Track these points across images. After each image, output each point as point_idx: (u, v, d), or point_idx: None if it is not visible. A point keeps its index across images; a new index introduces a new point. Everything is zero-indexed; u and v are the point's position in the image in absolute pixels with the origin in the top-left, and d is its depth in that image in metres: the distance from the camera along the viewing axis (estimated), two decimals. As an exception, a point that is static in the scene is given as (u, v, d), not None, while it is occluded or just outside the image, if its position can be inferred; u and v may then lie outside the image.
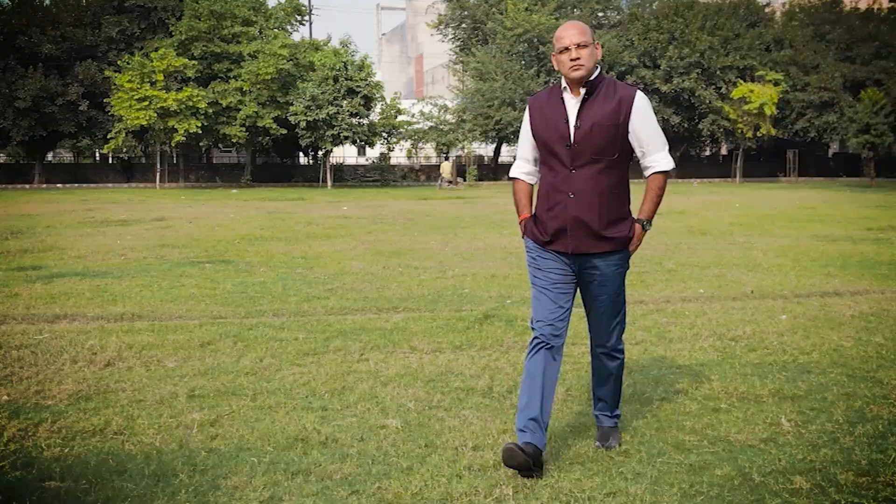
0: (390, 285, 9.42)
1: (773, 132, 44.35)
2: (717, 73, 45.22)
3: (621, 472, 3.81)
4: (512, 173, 4.27)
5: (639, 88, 3.96)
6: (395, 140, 42.96)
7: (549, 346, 3.95)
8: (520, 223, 4.20)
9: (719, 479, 3.70)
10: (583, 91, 3.90)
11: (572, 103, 3.93)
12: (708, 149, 58.06)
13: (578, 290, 4.12)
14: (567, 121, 3.92)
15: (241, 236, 15.32)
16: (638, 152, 4.01)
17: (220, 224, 18.22)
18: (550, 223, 3.98)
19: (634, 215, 4.07)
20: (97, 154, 52.37)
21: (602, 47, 25.80)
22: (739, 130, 44.54)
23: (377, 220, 19.56)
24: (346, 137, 38.88)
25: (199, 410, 4.70)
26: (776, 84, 43.45)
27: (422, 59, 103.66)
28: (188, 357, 5.97)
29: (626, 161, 4.04)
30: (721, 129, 46.19)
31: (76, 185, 43.75)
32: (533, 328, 4.02)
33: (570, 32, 3.89)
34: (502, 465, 3.74)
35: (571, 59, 3.85)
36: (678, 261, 11.39)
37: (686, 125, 47.68)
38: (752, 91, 42.48)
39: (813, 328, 6.89)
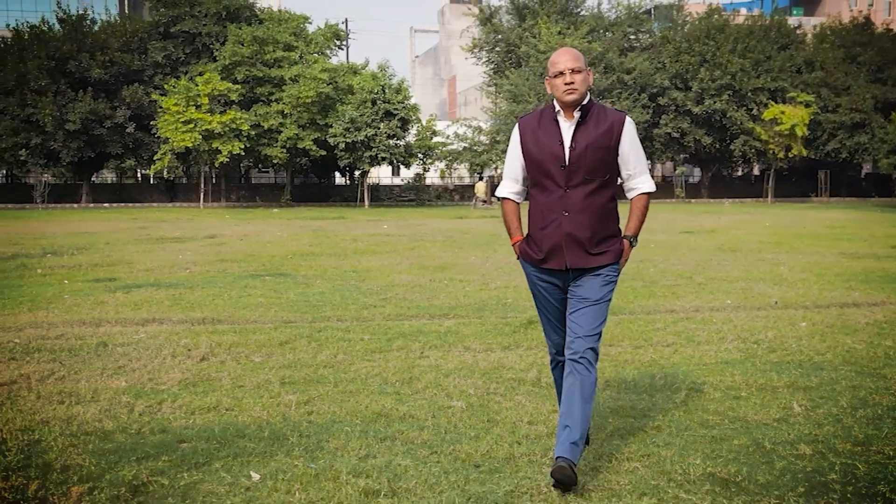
0: (438, 296, 10.21)
1: (805, 153, 44.77)
2: (749, 94, 45.75)
3: (654, 441, 4.55)
4: (500, 193, 4.37)
5: (627, 113, 4.36)
6: (430, 161, 43.90)
7: (562, 362, 4.29)
8: (513, 245, 4.33)
9: (736, 448, 4.43)
10: (577, 115, 4.06)
11: (566, 126, 4.08)
12: (740, 169, 58.41)
13: (568, 298, 4.22)
14: (562, 142, 4.07)
15: (293, 252, 16.22)
16: (624, 174, 4.22)
17: (270, 241, 19.15)
18: (545, 241, 4.12)
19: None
20: (139, 174, 53.84)
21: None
22: (771, 151, 44.99)
23: (417, 237, 20.39)
24: (384, 158, 39.91)
25: (293, 393, 5.52)
26: (807, 105, 43.88)
27: (455, 80, 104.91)
28: (271, 353, 6.80)
29: (615, 182, 4.25)
30: (752, 150, 46.66)
31: (121, 204, 45.15)
32: (549, 349, 4.44)
33: (565, 58, 4.02)
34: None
35: (566, 84, 3.99)
36: (708, 275, 12.08)
37: (717, 146, 48.18)
38: (783, 112, 42.97)
39: (829, 333, 7.57)
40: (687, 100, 46.40)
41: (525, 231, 4.29)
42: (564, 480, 3.73)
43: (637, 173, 4.21)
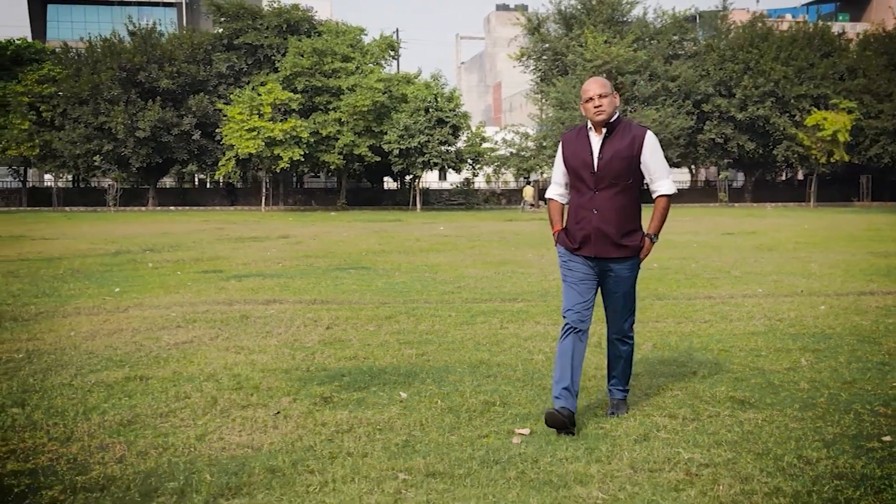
0: (505, 285, 11.79)
1: (847, 158, 45.66)
2: (792, 101, 46.73)
3: (691, 380, 6.08)
4: (547, 195, 5.29)
5: (649, 129, 5.22)
6: (479, 166, 45.54)
7: (577, 330, 4.97)
8: (553, 234, 5.19)
9: (752, 384, 5.93)
10: (604, 130, 4.90)
11: (596, 140, 4.92)
12: (784, 174, 59.17)
13: (599, 288, 5.14)
14: (591, 153, 4.90)
15: (365, 250, 17.91)
16: (647, 179, 5.02)
17: (340, 241, 20.88)
18: (578, 233, 4.96)
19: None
20: (195, 179, 56.15)
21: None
22: (813, 157, 45.94)
23: (474, 237, 21.99)
24: (436, 164, 41.65)
25: (410, 349, 7.14)
26: (849, 112, 44.78)
27: (500, 86, 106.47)
28: (381, 325, 8.44)
29: (637, 185, 5.02)
30: (795, 155, 47.62)
31: (185, 207, 47.44)
32: (564, 316, 5.02)
33: (594, 86, 4.87)
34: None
35: (595, 107, 4.84)
36: (744, 270, 13.51)
37: (760, 151, 49.18)
38: (825, 119, 43.94)
39: (843, 314, 9.01)
40: (731, 106, 47.51)
41: (561, 224, 5.18)
42: (617, 413, 5.15)
43: (657, 178, 5.01)
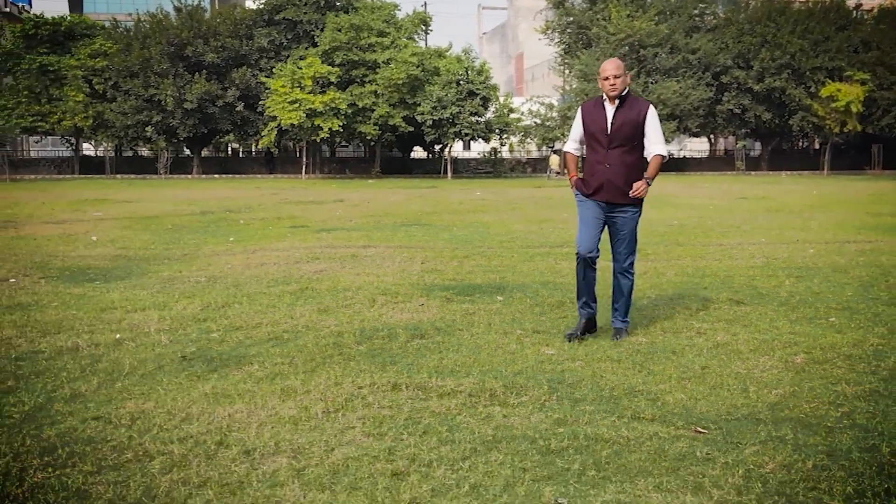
0: (549, 236, 14.16)
1: (859, 128, 47.58)
2: (807, 73, 48.61)
3: (702, 290, 8.47)
4: (565, 149, 6.50)
5: (650, 102, 6.32)
6: (507, 136, 47.79)
7: (586, 259, 6.19)
8: (570, 179, 6.38)
9: (746, 294, 8.30)
10: (616, 102, 6.05)
11: (610, 109, 6.07)
12: (801, 143, 61.01)
13: (607, 228, 6.26)
14: (606, 120, 6.06)
15: (418, 211, 20.32)
16: (646, 143, 6.12)
17: (392, 203, 23.31)
18: (593, 182, 6.13)
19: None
20: (229, 148, 58.60)
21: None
22: (827, 126, 47.90)
23: (510, 201, 24.34)
24: (467, 134, 43.96)
25: (492, 274, 9.55)
26: (863, 83, 46.66)
27: (522, 57, 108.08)
28: (461, 262, 10.84)
29: (640, 147, 6.12)
30: (810, 125, 49.56)
31: (227, 175, 50.02)
32: (578, 251, 6.23)
33: (610, 67, 6.00)
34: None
35: (611, 85, 5.98)
36: (752, 225, 15.84)
37: (777, 121, 51.13)
38: (839, 90, 45.86)
39: (826, 255, 11.35)
40: (748, 78, 49.43)
41: (580, 175, 6.35)
42: (618, 338, 6.19)
43: (654, 142, 6.13)
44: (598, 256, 6.23)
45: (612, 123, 6.04)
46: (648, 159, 6.17)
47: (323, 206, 22.09)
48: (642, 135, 6.10)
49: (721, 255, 11.32)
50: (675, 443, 4.05)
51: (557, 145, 54.75)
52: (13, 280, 9.40)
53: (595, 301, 6.36)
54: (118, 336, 6.49)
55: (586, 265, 6.23)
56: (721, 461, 3.81)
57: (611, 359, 5.66)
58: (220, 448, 4.01)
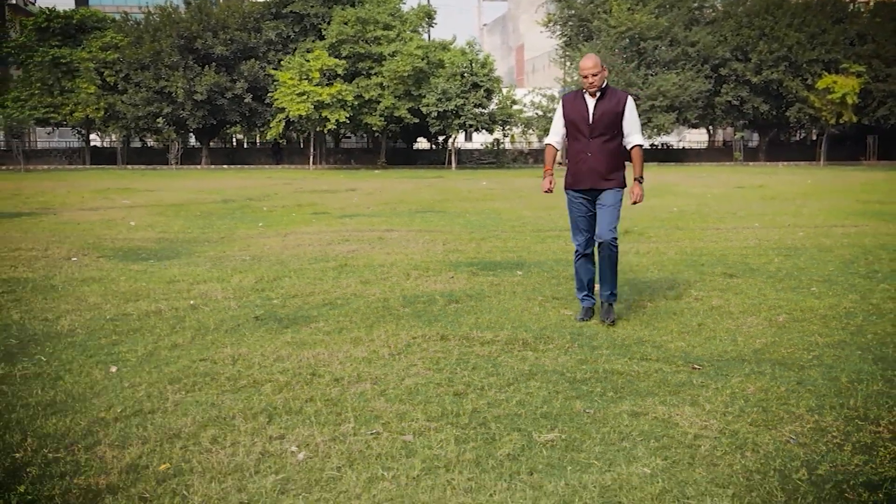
0: (558, 221, 15.12)
1: (854, 119, 48.58)
2: (804, 65, 49.57)
3: (700, 262, 9.47)
4: (547, 141, 6.67)
5: (629, 94, 6.63)
6: (509, 127, 48.75)
7: (584, 254, 6.62)
8: (545, 171, 6.58)
9: (738, 267, 9.31)
10: (597, 95, 6.32)
11: (591, 101, 6.34)
12: (798, 134, 61.99)
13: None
14: (587, 111, 6.32)
15: (429, 199, 21.30)
16: (625, 132, 6.37)
17: (403, 191, 24.30)
18: (577, 171, 6.40)
19: (629, 178, 6.48)
20: (233, 139, 59.54)
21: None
22: (823, 118, 48.90)
23: (516, 190, 25.32)
24: (471, 125, 44.94)
25: (510, 254, 10.56)
26: (858, 75, 47.63)
27: (522, 49, 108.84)
28: (479, 244, 11.84)
29: (620, 136, 6.37)
30: (806, 117, 50.55)
31: (235, 165, 50.97)
32: (576, 247, 6.62)
33: (588, 64, 6.24)
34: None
35: (589, 83, 6.27)
36: (747, 212, 16.83)
37: (774, 113, 52.11)
38: (835, 82, 46.84)
39: (813, 237, 12.35)
40: (746, 70, 50.38)
41: (552, 168, 6.60)
42: (611, 321, 6.41)
43: (632, 132, 6.41)
44: (592, 250, 6.67)
45: (593, 114, 6.31)
46: (628, 148, 6.47)
47: (338, 195, 23.07)
48: (621, 125, 6.37)
49: (717, 238, 12.33)
50: (675, 375, 5.06)
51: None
52: (75, 259, 10.38)
53: (594, 293, 6.76)
54: (192, 302, 7.49)
55: (585, 259, 6.66)
56: (712, 387, 4.82)
57: (621, 318, 6.67)
58: (315, 377, 5.03)
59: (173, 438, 4.04)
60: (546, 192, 6.58)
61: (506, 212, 17.30)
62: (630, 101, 6.41)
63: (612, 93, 6.37)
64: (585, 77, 6.29)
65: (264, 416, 4.35)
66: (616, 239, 6.43)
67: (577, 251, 6.65)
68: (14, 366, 5.38)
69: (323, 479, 3.54)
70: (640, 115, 41.89)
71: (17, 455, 3.84)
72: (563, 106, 6.55)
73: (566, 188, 6.59)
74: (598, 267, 6.59)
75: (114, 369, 5.28)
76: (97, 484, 3.50)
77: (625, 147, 6.46)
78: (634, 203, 6.49)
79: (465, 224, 14.66)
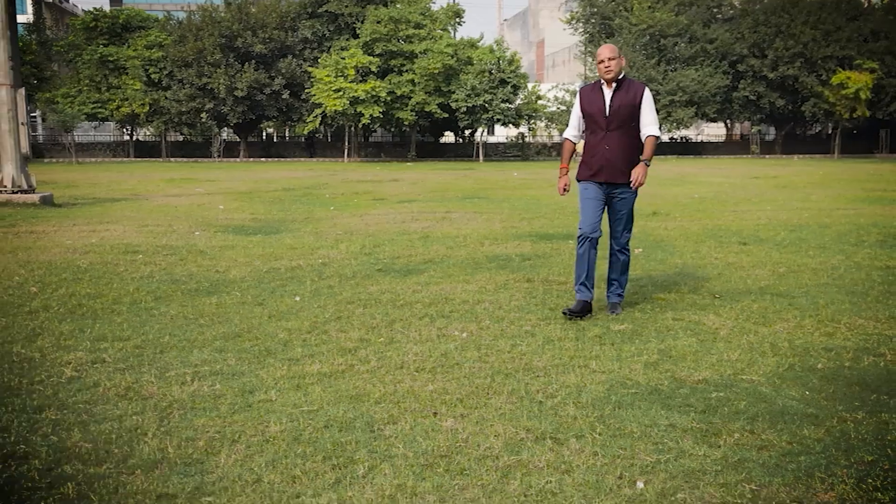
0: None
1: (867, 114, 50.34)
2: (819, 62, 51.32)
3: (718, 234, 11.54)
4: (565, 135, 6.61)
5: (647, 85, 6.97)
6: (534, 121, 50.82)
7: (590, 239, 6.35)
8: (560, 169, 6.49)
9: (750, 238, 11.37)
10: (614, 85, 6.23)
11: (608, 92, 6.25)
12: (815, 128, 63.71)
13: (606, 208, 6.45)
14: (605, 102, 6.24)
15: (470, 188, 23.40)
16: (641, 123, 6.27)
17: (443, 181, 26.41)
18: (594, 164, 6.31)
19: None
20: (264, 133, 61.83)
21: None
22: (837, 112, 50.72)
23: (548, 180, 27.35)
24: (499, 120, 47.06)
25: (563, 229, 12.66)
26: (872, 71, 49.40)
27: (543, 44, 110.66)
28: (531, 221, 13.93)
29: (637, 128, 6.27)
30: (821, 111, 52.34)
31: (271, 158, 53.27)
32: (580, 229, 6.41)
33: (605, 52, 6.21)
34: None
35: (605, 68, 6.18)
36: (761, 198, 18.85)
37: (790, 107, 53.90)
38: (849, 77, 48.64)
39: (817, 217, 14.38)
40: (763, 66, 52.20)
41: (568, 165, 6.53)
42: (614, 312, 6.54)
43: (648, 123, 6.29)
44: (600, 236, 6.47)
45: (609, 106, 6.24)
46: (643, 140, 6.36)
47: (385, 184, 25.21)
48: (638, 117, 6.28)
49: (733, 218, 14.38)
50: (702, 300, 7.15)
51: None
52: (198, 233, 12.54)
53: (593, 286, 6.55)
54: (321, 261, 9.62)
55: (590, 245, 6.44)
56: (728, 306, 6.90)
57: (657, 270, 8.76)
58: (448, 301, 7.15)
59: (378, 328, 6.19)
60: (562, 193, 6.56)
61: (544, 198, 19.34)
62: (647, 93, 6.33)
63: (630, 84, 6.30)
64: (601, 62, 6.23)
65: (427, 318, 6.49)
66: (629, 242, 6.63)
67: (581, 237, 6.45)
68: (223, 296, 7.51)
69: (484, 345, 5.66)
70: (660, 110, 43.94)
71: (281, 336, 5.98)
72: (580, 98, 6.48)
73: (579, 179, 6.53)
74: (609, 269, 6.66)
75: (297, 298, 7.40)
76: (345, 343, 5.63)
77: (641, 140, 6.40)
78: (634, 187, 6.27)
79: (512, 208, 16.74)
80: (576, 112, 6.51)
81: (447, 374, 5.01)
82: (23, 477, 3.51)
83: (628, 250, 6.63)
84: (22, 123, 16.26)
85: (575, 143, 6.59)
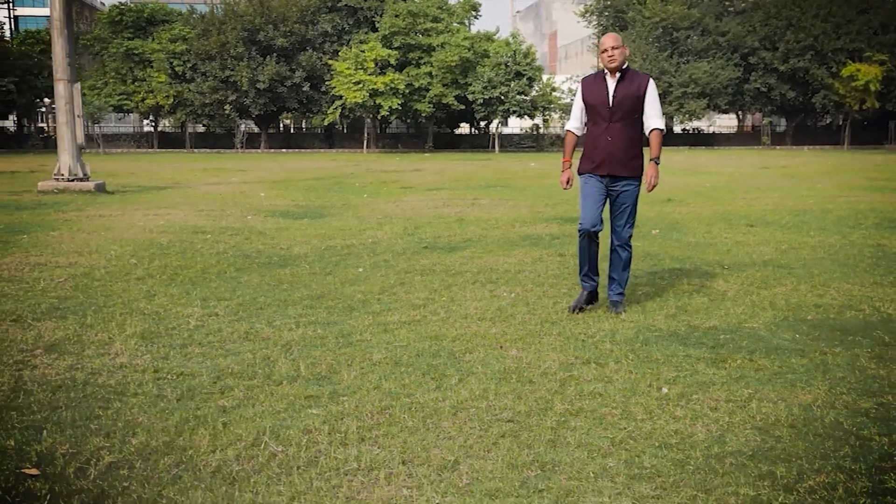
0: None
1: (877, 106, 51.23)
2: (829, 54, 52.20)
3: (725, 214, 12.64)
4: (567, 127, 6.46)
5: (649, 76, 6.40)
6: (548, 113, 51.87)
7: (590, 234, 6.27)
8: (563, 162, 6.39)
9: (758, 221, 12.46)
10: (618, 75, 6.10)
11: (611, 83, 6.11)
12: (827, 119, 64.57)
13: (608, 202, 6.34)
14: (608, 93, 6.09)
15: (491, 177, 24.52)
16: (645, 115, 6.17)
17: (465, 171, 27.54)
18: (596, 155, 6.16)
19: (647, 159, 6.35)
20: (282, 125, 63.06)
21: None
22: (847, 104, 51.61)
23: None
24: (514, 111, 48.16)
25: (582, 213, 13.80)
26: (881, 64, 50.26)
27: (556, 35, 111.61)
28: (556, 206, 15.05)
29: (640, 120, 6.17)
30: (831, 103, 53.23)
31: (291, 150, 54.51)
32: (581, 224, 6.31)
33: (609, 40, 6.08)
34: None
35: (609, 56, 6.05)
36: (770, 186, 19.91)
37: (801, 99, 54.80)
38: (859, 70, 49.53)
39: (820, 202, 15.44)
40: (774, 59, 53.10)
41: (571, 158, 6.43)
42: (617, 311, 6.34)
43: (652, 115, 6.19)
44: (601, 230, 6.33)
45: (613, 97, 6.10)
46: (647, 133, 6.27)
47: (408, 174, 26.36)
48: (642, 108, 6.17)
49: (742, 204, 15.46)
50: (713, 270, 8.27)
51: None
52: (249, 217, 13.70)
53: (597, 275, 6.52)
54: (370, 240, 10.77)
55: (590, 239, 6.34)
56: (734, 274, 8.00)
57: (673, 247, 9.88)
58: (493, 270, 8.30)
59: (438, 290, 7.34)
60: (565, 187, 6.53)
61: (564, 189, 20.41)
62: (651, 84, 6.23)
63: (633, 75, 6.20)
64: (605, 51, 6.12)
65: (479, 283, 7.64)
66: (631, 237, 6.43)
67: (581, 230, 6.36)
68: (294, 268, 8.66)
69: (530, 302, 6.80)
70: (672, 102, 45.10)
71: (358, 297, 7.13)
72: (582, 89, 6.35)
73: (581, 172, 6.37)
74: (610, 266, 6.47)
75: (360, 269, 8.54)
76: (414, 300, 6.78)
77: (644, 133, 6.30)
78: (650, 190, 6.29)
79: (534, 195, 17.85)
80: (578, 103, 6.36)
81: (504, 322, 6.16)
82: (200, 386, 4.67)
83: (630, 247, 6.43)
84: (77, 116, 17.44)
85: (578, 136, 6.44)
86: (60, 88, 17.27)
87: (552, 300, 6.90)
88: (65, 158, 17.59)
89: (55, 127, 18.69)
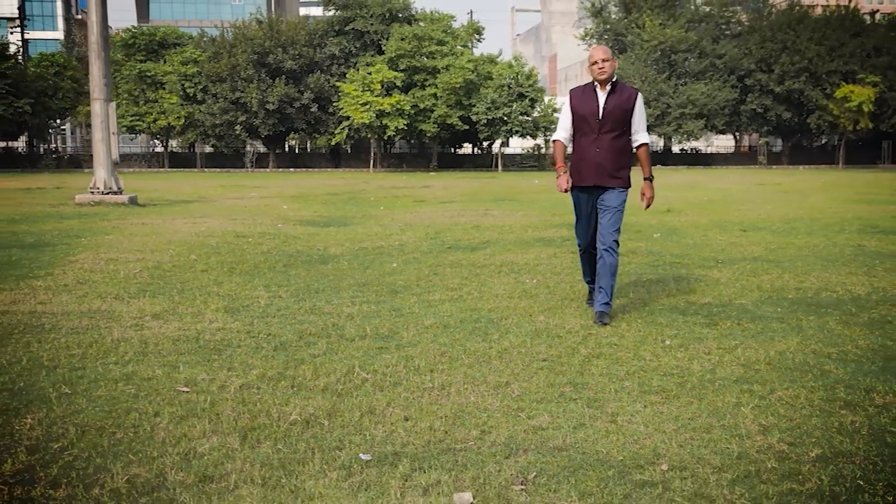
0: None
1: (870, 126, 52.56)
2: (824, 76, 53.60)
3: (718, 218, 13.74)
4: (555, 137, 6.51)
5: (635, 92, 7.82)
6: (550, 133, 53.15)
7: (587, 250, 6.67)
8: (557, 168, 6.44)
9: (752, 226, 13.56)
10: (608, 88, 6.16)
11: (601, 95, 6.18)
12: (822, 139, 65.92)
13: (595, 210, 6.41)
14: (598, 105, 6.16)
15: (499, 192, 25.63)
16: (632, 129, 6.26)
17: (472, 188, 28.66)
18: (582, 167, 6.26)
19: (633, 178, 6.34)
20: (287, 145, 64.33)
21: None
22: (841, 124, 52.94)
23: (568, 187, 29.56)
24: (517, 132, 49.44)
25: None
26: (874, 85, 51.63)
27: (555, 58, 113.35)
28: (565, 216, 16.15)
29: (629, 133, 6.26)
30: (826, 123, 54.57)
31: (298, 168, 55.72)
32: (578, 244, 6.73)
33: (599, 52, 6.18)
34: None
35: (599, 68, 6.14)
36: (765, 200, 21.03)
37: (796, 120, 56.13)
38: (852, 91, 50.89)
39: (810, 212, 16.55)
40: (770, 80, 54.46)
41: (564, 164, 6.42)
42: (603, 322, 6.15)
43: (640, 129, 6.32)
44: (594, 245, 6.62)
45: (603, 108, 6.15)
46: (635, 148, 6.37)
47: (418, 189, 27.48)
48: (629, 121, 6.24)
49: (737, 213, 16.56)
50: (708, 263, 9.35)
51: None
52: (280, 225, 14.78)
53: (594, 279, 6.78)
54: (397, 243, 11.86)
55: (588, 252, 6.69)
56: (727, 267, 9.08)
57: (674, 243, 10.97)
58: (513, 263, 9.39)
59: (469, 278, 8.42)
60: (564, 191, 6.48)
61: (569, 200, 21.50)
62: (640, 98, 6.32)
63: (623, 88, 6.26)
64: (595, 63, 6.18)
65: (503, 273, 8.73)
66: (617, 243, 6.31)
67: (579, 247, 6.78)
68: (335, 264, 9.74)
69: (550, 286, 7.88)
70: (671, 122, 46.67)
71: (399, 283, 8.20)
72: (570, 100, 6.38)
73: (571, 189, 6.46)
74: (598, 276, 6.34)
75: (394, 265, 9.63)
76: (449, 285, 7.85)
77: (631, 145, 6.35)
78: (647, 207, 6.49)
79: (542, 207, 18.95)
80: (566, 114, 6.39)
81: (530, 300, 7.25)
82: (288, 342, 5.74)
83: (616, 252, 6.29)
84: (112, 133, 18.57)
85: (566, 145, 6.45)
86: (97, 107, 18.40)
87: (569, 285, 7.99)
88: (100, 173, 18.71)
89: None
